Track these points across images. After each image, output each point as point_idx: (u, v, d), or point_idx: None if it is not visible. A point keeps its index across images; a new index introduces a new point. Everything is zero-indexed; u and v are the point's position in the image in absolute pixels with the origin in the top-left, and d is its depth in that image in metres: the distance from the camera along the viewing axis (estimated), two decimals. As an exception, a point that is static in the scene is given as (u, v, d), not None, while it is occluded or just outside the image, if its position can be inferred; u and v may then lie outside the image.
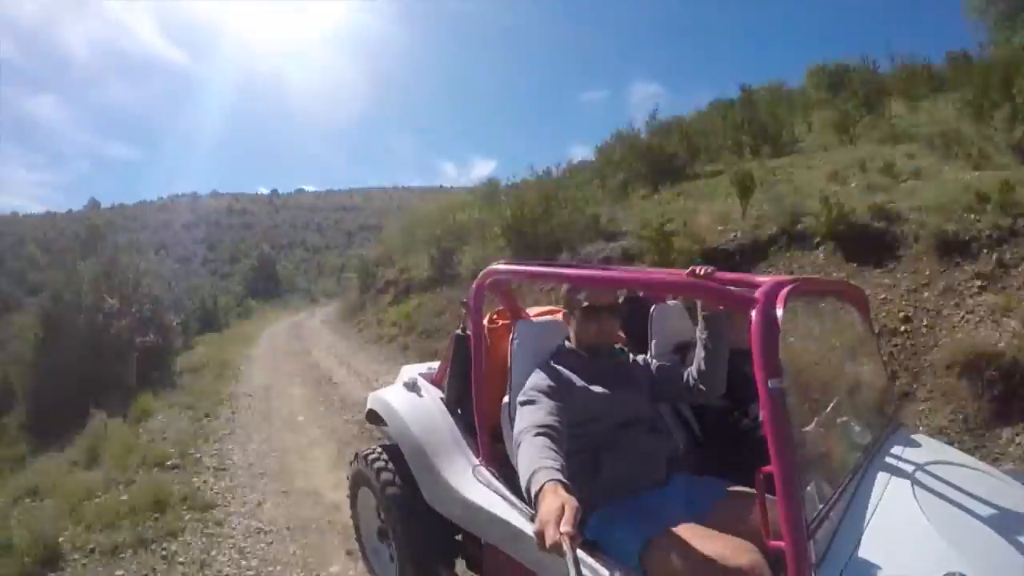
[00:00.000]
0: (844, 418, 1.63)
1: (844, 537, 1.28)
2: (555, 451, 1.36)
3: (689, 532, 1.43)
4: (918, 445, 1.66)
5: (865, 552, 1.23)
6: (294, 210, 54.83)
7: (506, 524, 1.69)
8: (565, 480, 1.23)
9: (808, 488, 1.27)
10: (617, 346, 1.90)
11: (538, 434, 1.43)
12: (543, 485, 1.20)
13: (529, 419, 1.51)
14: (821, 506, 1.29)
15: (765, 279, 1.64)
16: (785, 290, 1.33)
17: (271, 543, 3.30)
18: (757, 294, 1.32)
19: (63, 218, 50.64)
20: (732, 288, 1.42)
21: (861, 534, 1.27)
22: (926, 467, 1.51)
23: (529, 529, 1.64)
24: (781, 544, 1.17)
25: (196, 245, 39.35)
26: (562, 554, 1.02)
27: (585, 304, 1.75)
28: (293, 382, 8.15)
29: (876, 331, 1.87)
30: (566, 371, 1.72)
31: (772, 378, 1.20)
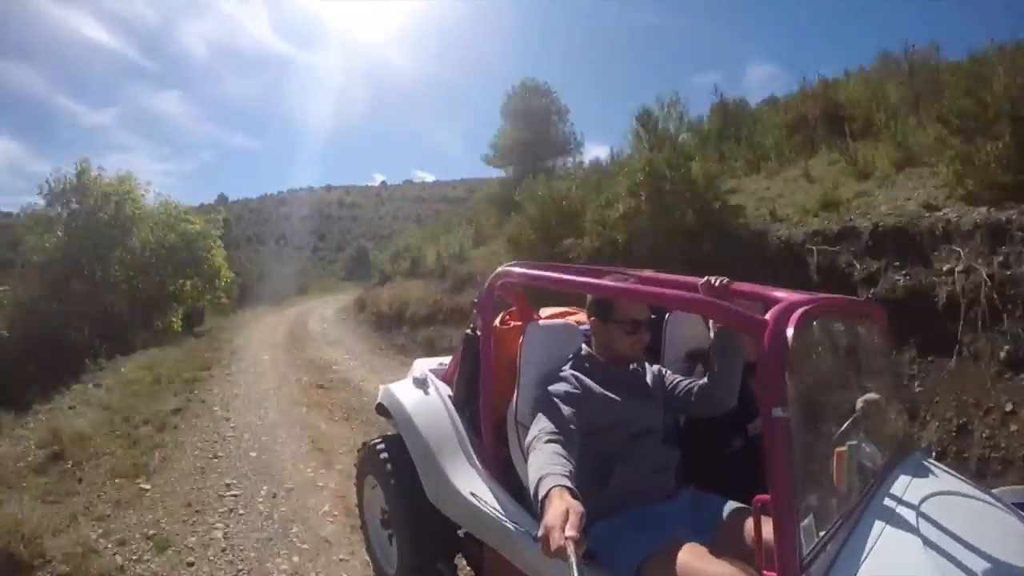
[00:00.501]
0: (854, 441, 1.58)
1: (840, 571, 1.25)
2: (564, 458, 1.37)
3: (688, 552, 1.42)
4: (927, 473, 1.62)
5: None
6: (399, 201, 57.23)
7: (504, 527, 1.70)
8: (572, 486, 1.23)
9: (806, 521, 1.24)
10: None
11: (549, 441, 1.43)
12: (549, 490, 1.21)
13: (542, 425, 1.51)
14: (817, 539, 1.26)
15: (781, 295, 1.59)
16: (798, 312, 1.29)
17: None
18: (768, 315, 1.28)
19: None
20: (742, 309, 1.38)
21: (856, 571, 1.24)
22: (933, 498, 1.46)
23: (527, 536, 1.66)
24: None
25: (309, 236, 46.53)
26: (566, 559, 1.03)
27: (627, 318, 1.72)
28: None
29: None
30: (585, 378, 1.71)
31: (777, 407, 1.18)
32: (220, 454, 4.51)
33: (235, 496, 3.72)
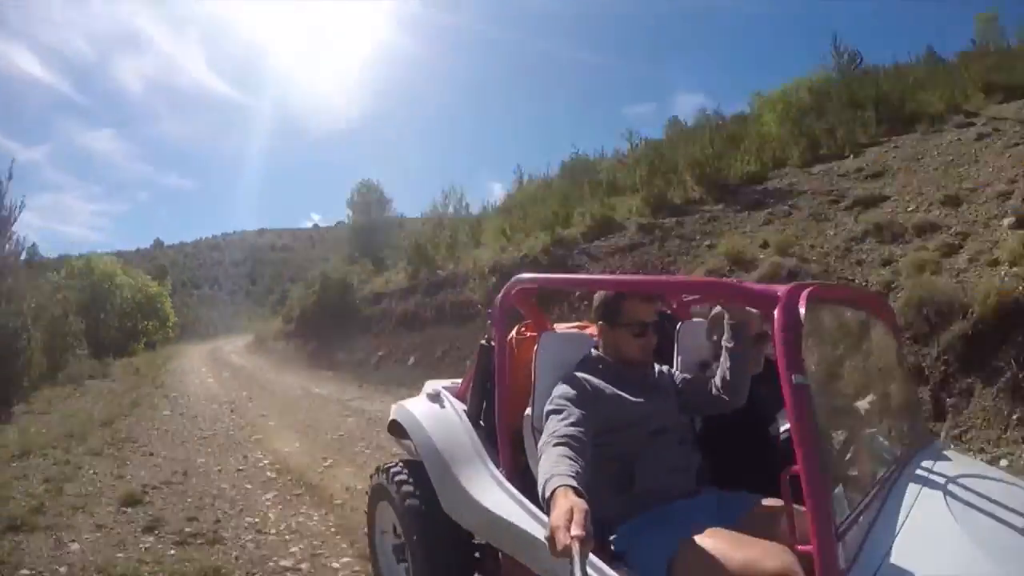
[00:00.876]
0: (872, 430, 1.60)
1: (875, 543, 1.24)
2: (571, 459, 1.37)
3: (719, 537, 1.41)
4: (949, 460, 1.62)
5: (897, 558, 1.20)
6: (331, 243, 57.36)
7: (524, 534, 1.68)
8: (577, 485, 1.23)
9: (836, 490, 1.25)
10: None
11: (557, 444, 1.44)
12: (554, 490, 1.21)
13: (552, 429, 1.52)
14: (850, 511, 1.26)
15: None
16: (807, 290, 1.34)
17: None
18: (779, 292, 1.33)
19: (134, 255, 57.16)
20: (755, 286, 1.43)
21: (892, 540, 1.24)
22: (958, 479, 1.47)
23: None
24: (809, 549, 1.16)
25: (242, 279, 49.40)
26: (571, 557, 1.02)
27: (635, 320, 1.73)
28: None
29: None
30: (595, 379, 1.72)
31: (796, 374, 1.19)
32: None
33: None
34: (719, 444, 1.94)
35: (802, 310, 1.28)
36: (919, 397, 1.89)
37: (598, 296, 1.84)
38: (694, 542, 1.41)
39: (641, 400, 1.72)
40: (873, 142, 8.33)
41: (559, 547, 1.05)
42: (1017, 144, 6.37)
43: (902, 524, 1.29)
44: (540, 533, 1.62)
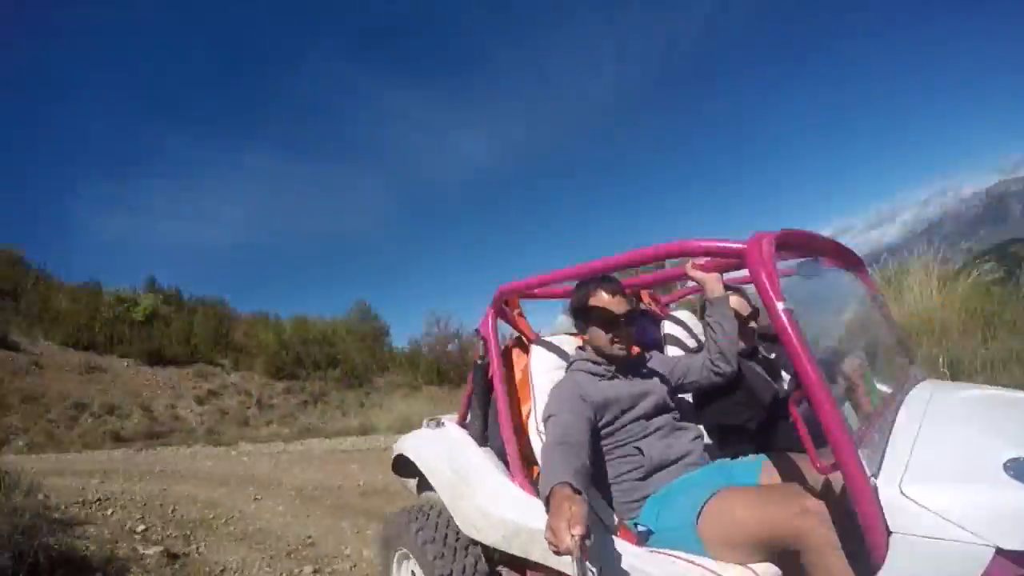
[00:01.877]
0: (867, 366, 1.63)
1: (896, 448, 1.25)
2: (568, 459, 1.37)
3: (740, 492, 1.42)
4: (947, 387, 1.66)
5: (920, 457, 1.21)
6: None
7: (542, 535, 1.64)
8: (573, 483, 1.24)
9: (846, 405, 1.26)
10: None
11: (554, 446, 1.45)
12: (551, 489, 1.22)
13: (549, 435, 1.55)
14: (860, 422, 1.28)
15: None
16: (772, 235, 1.41)
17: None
18: (747, 241, 1.39)
19: None
20: (721, 242, 1.49)
21: (913, 443, 1.25)
22: (960, 394, 1.50)
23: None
24: (832, 468, 1.16)
25: None
26: (573, 556, 1.04)
27: (603, 315, 1.73)
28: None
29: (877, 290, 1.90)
30: (584, 377, 1.75)
31: (778, 301, 1.25)
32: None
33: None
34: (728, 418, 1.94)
35: (769, 240, 1.35)
36: (906, 339, 1.92)
37: (570, 301, 1.87)
38: (720, 498, 1.41)
39: (629, 388, 1.74)
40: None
41: (561, 546, 1.05)
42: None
43: (919, 430, 1.30)
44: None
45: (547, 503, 1.20)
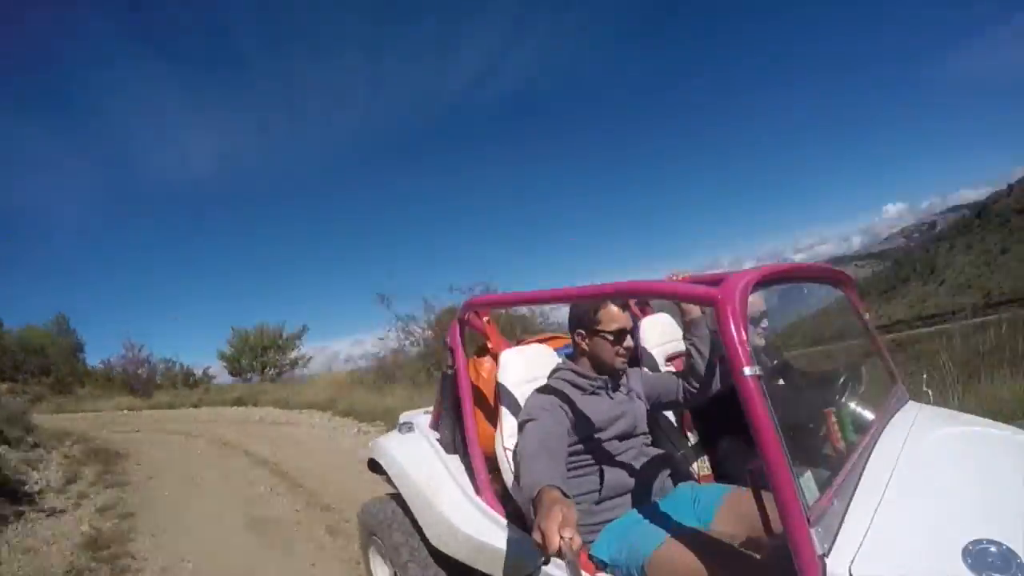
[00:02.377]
0: (846, 399, 1.57)
1: (853, 521, 1.20)
2: (553, 464, 1.37)
3: (687, 547, 1.39)
4: (926, 416, 1.60)
5: (878, 534, 1.16)
6: None
7: (508, 552, 1.66)
8: (559, 485, 1.23)
9: (806, 475, 1.21)
10: None
11: (538, 451, 1.44)
12: (539, 492, 1.21)
13: (529, 437, 1.52)
14: (821, 493, 1.22)
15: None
16: (745, 280, 1.29)
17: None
18: (720, 288, 1.29)
19: None
20: (696, 285, 1.40)
21: (872, 515, 1.20)
22: (936, 437, 1.44)
23: (528, 556, 1.60)
24: (783, 537, 1.11)
25: None
26: (564, 558, 1.01)
27: (614, 327, 1.71)
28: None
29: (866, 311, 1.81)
30: (567, 390, 1.72)
31: (746, 366, 1.16)
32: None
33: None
34: (717, 439, 1.92)
35: (741, 294, 1.24)
36: (889, 358, 1.84)
37: (573, 308, 1.82)
38: (668, 548, 1.40)
39: (610, 407, 1.71)
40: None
41: (551, 549, 1.02)
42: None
43: (882, 496, 1.25)
44: (525, 550, 1.60)
45: (534, 505, 1.19)
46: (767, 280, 1.38)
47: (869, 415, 1.58)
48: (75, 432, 8.16)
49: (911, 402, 1.76)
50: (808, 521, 1.10)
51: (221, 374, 16.67)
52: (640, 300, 2.36)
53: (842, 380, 1.61)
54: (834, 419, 1.50)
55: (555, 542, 1.02)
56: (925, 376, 2.57)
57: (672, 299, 1.65)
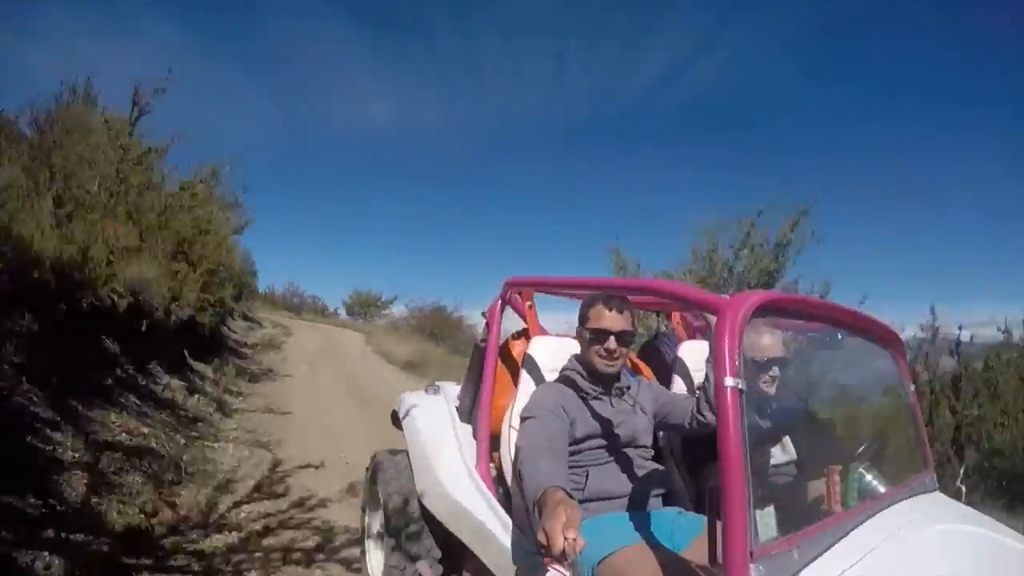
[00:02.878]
0: (859, 463, 1.45)
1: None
2: (557, 465, 1.39)
3: (644, 559, 1.37)
4: (946, 509, 1.43)
5: None
6: None
7: (483, 527, 1.71)
8: (564, 486, 1.24)
9: (767, 509, 1.15)
10: (627, 370, 1.87)
11: (543, 451, 1.45)
12: (544, 492, 1.21)
13: (531, 435, 1.54)
14: (780, 536, 1.16)
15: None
16: (756, 298, 1.25)
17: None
18: (729, 299, 1.27)
19: None
20: (706, 292, 1.39)
21: None
22: (943, 530, 1.29)
23: (504, 538, 1.65)
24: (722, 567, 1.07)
25: None
26: (568, 560, 1.03)
27: (597, 326, 1.69)
28: None
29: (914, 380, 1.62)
30: (567, 391, 1.73)
31: (729, 376, 1.13)
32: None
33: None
34: (704, 466, 1.85)
35: (746, 310, 1.21)
36: (926, 440, 1.63)
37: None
38: (622, 555, 1.38)
39: (607, 414, 1.70)
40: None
41: (555, 550, 1.04)
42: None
43: (847, 569, 1.14)
44: (499, 530, 1.65)
45: (538, 506, 1.20)
46: (773, 305, 1.32)
47: (881, 488, 1.44)
48: (269, 320, 18.48)
49: (938, 493, 1.58)
50: (751, 556, 1.06)
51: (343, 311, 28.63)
52: (696, 319, 2.30)
53: (864, 445, 1.49)
54: (838, 478, 1.40)
55: (559, 543, 1.03)
56: (963, 470, 2.23)
57: (684, 303, 1.62)
